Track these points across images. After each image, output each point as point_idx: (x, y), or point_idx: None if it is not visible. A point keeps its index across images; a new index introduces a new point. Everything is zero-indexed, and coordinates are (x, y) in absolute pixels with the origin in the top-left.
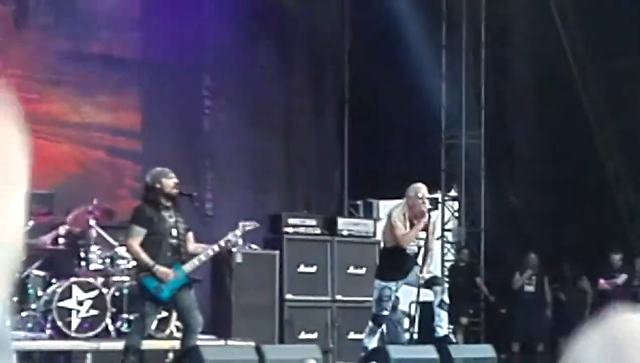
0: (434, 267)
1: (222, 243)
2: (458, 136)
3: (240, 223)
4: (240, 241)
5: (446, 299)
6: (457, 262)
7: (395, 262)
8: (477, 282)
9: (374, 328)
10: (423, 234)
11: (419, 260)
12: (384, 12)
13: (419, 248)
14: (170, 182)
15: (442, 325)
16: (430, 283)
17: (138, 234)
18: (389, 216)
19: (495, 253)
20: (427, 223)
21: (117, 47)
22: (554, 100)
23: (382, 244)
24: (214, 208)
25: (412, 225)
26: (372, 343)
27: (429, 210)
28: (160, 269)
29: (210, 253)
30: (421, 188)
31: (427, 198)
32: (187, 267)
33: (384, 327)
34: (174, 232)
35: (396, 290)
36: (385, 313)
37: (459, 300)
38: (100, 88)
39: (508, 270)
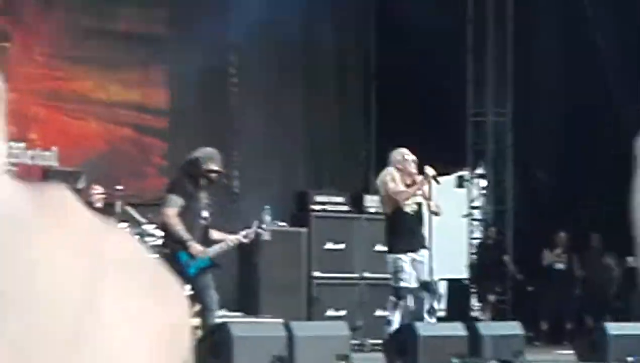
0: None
1: (242, 235)
2: (485, 113)
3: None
4: (266, 210)
5: (436, 306)
6: (484, 239)
7: (399, 227)
8: (504, 259)
9: (395, 302)
10: (418, 197)
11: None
12: None
13: (419, 206)
14: (215, 167)
15: None
16: (423, 287)
17: (175, 205)
18: (381, 182)
19: (522, 231)
20: (421, 184)
21: (144, 24)
22: (581, 76)
23: (384, 211)
24: (241, 185)
25: (407, 186)
26: (395, 317)
27: (417, 171)
28: (195, 245)
29: (231, 244)
30: (406, 151)
31: (413, 159)
32: (212, 250)
33: (410, 302)
34: (205, 214)
35: (412, 261)
36: (405, 284)
37: (486, 278)
38: (127, 65)
39: (536, 248)
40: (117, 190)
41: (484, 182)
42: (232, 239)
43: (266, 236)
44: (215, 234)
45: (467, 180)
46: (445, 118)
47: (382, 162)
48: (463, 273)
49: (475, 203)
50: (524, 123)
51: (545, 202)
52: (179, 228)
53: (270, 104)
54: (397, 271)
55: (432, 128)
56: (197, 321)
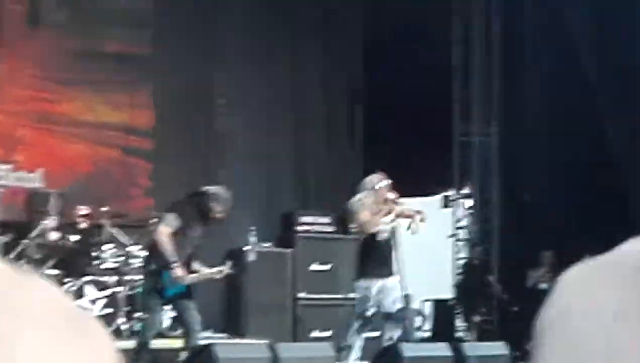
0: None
1: (216, 271)
2: (471, 133)
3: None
4: (252, 231)
5: (399, 332)
6: (470, 259)
7: (370, 252)
8: (489, 280)
9: (359, 328)
10: (390, 224)
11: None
12: (399, 10)
13: (393, 232)
14: (219, 209)
15: None
16: (387, 317)
17: (172, 224)
18: (351, 209)
19: (508, 251)
20: (387, 211)
21: (129, 45)
22: (568, 95)
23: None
24: None
25: (380, 211)
26: (356, 342)
27: (392, 200)
28: (178, 269)
29: (202, 277)
30: (378, 177)
31: (387, 184)
32: (189, 279)
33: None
34: (195, 244)
35: (380, 289)
36: (369, 313)
37: (471, 298)
38: (114, 87)
39: (521, 268)
40: (103, 211)
41: (469, 202)
42: (206, 273)
43: (252, 256)
44: (194, 265)
45: (453, 200)
46: (431, 138)
47: None
48: (448, 294)
49: (461, 224)
50: (510, 143)
51: (531, 222)
52: (169, 248)
53: (256, 125)
54: (365, 297)
55: (418, 148)
56: (180, 343)
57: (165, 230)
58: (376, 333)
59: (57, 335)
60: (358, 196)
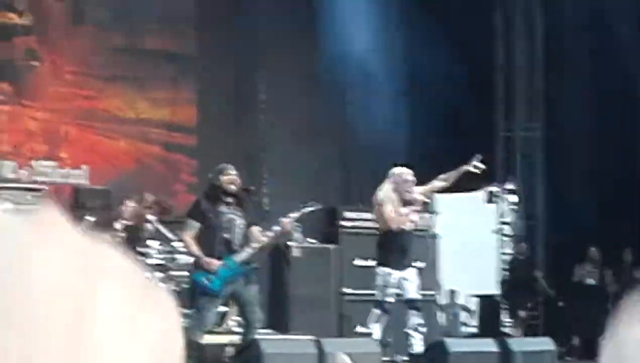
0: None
1: (275, 228)
2: (515, 128)
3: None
4: (296, 226)
5: (421, 321)
6: (515, 255)
7: (391, 243)
8: (535, 275)
9: (378, 314)
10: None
11: None
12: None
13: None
14: (227, 178)
15: (416, 345)
16: (408, 305)
17: (192, 228)
18: (376, 202)
19: (553, 246)
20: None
21: (172, 42)
22: (612, 91)
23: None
24: (270, 202)
25: (404, 205)
26: (376, 329)
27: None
28: (205, 259)
29: (263, 240)
30: (404, 171)
31: (412, 180)
32: (238, 256)
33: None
34: (230, 227)
35: (400, 279)
36: (390, 299)
37: (517, 293)
38: (156, 83)
39: (567, 264)
40: (147, 208)
41: (514, 197)
42: (257, 241)
43: (296, 252)
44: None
45: (497, 196)
46: (475, 133)
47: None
48: (494, 289)
49: (506, 219)
50: (553, 138)
51: (576, 217)
52: (193, 248)
53: (299, 121)
54: (385, 285)
55: (461, 143)
56: (229, 338)
57: (186, 236)
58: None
59: (131, 296)
60: (384, 189)
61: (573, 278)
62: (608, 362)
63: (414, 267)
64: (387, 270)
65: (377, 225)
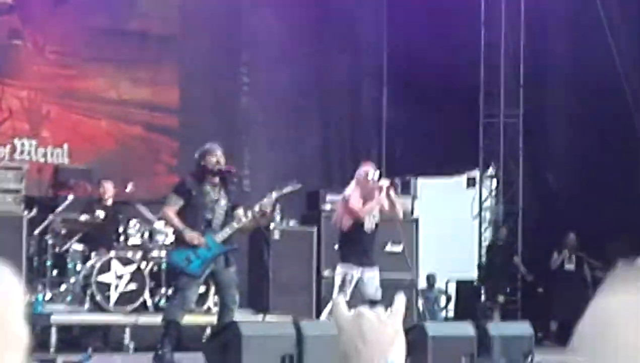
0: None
1: (255, 208)
2: (496, 115)
3: (276, 187)
4: (276, 206)
5: None
6: (494, 240)
7: (354, 242)
8: (514, 260)
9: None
10: (376, 217)
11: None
12: None
13: (377, 226)
14: (212, 159)
15: None
16: (369, 305)
17: (174, 203)
18: (342, 198)
19: (533, 232)
20: (381, 200)
21: (155, 23)
22: (593, 78)
23: (339, 228)
24: (252, 184)
25: (364, 204)
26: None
27: (380, 187)
28: (188, 232)
29: (244, 220)
30: (369, 169)
31: (377, 178)
32: (219, 236)
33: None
34: (213, 207)
35: (360, 278)
36: (346, 298)
37: (496, 278)
38: (139, 64)
39: (546, 249)
40: (127, 188)
41: (494, 183)
42: (237, 220)
43: (276, 235)
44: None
45: (478, 181)
46: (457, 119)
47: (393, 163)
48: (473, 274)
49: (486, 204)
50: (535, 124)
51: (556, 203)
52: (175, 221)
53: (281, 103)
54: (343, 283)
55: (443, 129)
56: (208, 319)
57: (168, 209)
58: None
59: None
60: (350, 188)
61: (551, 263)
62: (590, 324)
63: (375, 266)
64: (346, 269)
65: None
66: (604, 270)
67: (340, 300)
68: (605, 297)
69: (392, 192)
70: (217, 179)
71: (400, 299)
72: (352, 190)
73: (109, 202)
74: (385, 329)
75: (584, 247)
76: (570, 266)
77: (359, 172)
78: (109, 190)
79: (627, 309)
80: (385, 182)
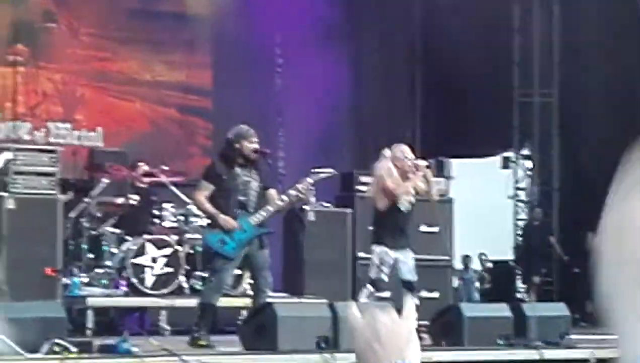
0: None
1: (291, 192)
2: (531, 94)
3: (312, 172)
4: (311, 190)
5: (416, 300)
6: (530, 221)
7: (389, 223)
8: (550, 241)
9: (372, 292)
10: (412, 197)
11: None
12: None
13: (412, 206)
14: (250, 146)
15: None
16: (404, 285)
17: (205, 189)
18: (378, 176)
19: (568, 212)
20: (416, 179)
21: (189, 5)
22: (629, 57)
23: (374, 207)
24: (286, 166)
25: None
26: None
27: (417, 166)
28: (222, 217)
29: (279, 203)
30: (406, 149)
31: (412, 157)
32: (254, 219)
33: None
34: (245, 190)
35: (396, 260)
36: (385, 278)
37: (532, 259)
38: (172, 46)
39: (582, 230)
40: (163, 170)
41: (529, 163)
42: (273, 204)
43: (311, 216)
44: (270, 203)
45: (513, 161)
46: (491, 99)
47: (427, 144)
48: (509, 255)
49: (521, 185)
50: (570, 104)
51: (590, 184)
52: (207, 206)
53: (315, 85)
54: (381, 263)
55: (477, 109)
56: (243, 301)
57: (198, 195)
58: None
59: None
60: (383, 164)
61: (587, 244)
62: (608, 232)
63: (410, 248)
64: (384, 249)
65: (374, 204)
66: None
67: (351, 304)
68: (625, 198)
69: (428, 172)
70: (247, 161)
71: (409, 302)
72: (387, 170)
73: (144, 185)
74: (400, 330)
75: None
76: None
77: (395, 151)
78: (143, 171)
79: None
80: (422, 162)
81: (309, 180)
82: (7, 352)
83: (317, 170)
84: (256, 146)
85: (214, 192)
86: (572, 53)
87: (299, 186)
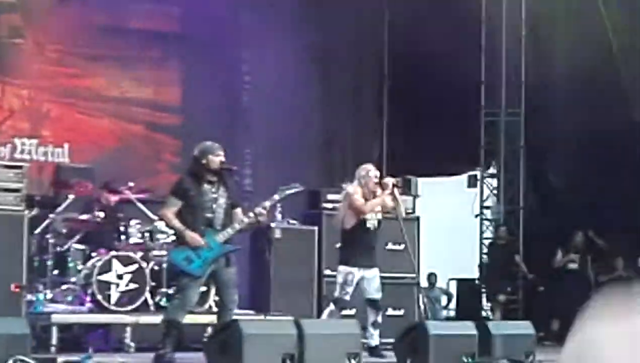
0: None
1: (257, 210)
2: (498, 113)
3: (279, 189)
4: (278, 208)
5: (379, 320)
6: (495, 239)
7: (357, 241)
8: (515, 259)
9: (334, 311)
10: (379, 214)
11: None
12: None
13: (379, 222)
14: (216, 159)
15: (374, 339)
16: (368, 304)
17: (173, 205)
18: (345, 195)
19: (533, 231)
20: (384, 198)
21: (158, 22)
22: (595, 77)
23: (341, 227)
24: (253, 183)
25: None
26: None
27: (384, 184)
28: (189, 234)
29: (245, 220)
30: (371, 167)
31: (377, 176)
32: (220, 236)
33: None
34: (212, 206)
35: (361, 278)
36: (348, 298)
37: (497, 277)
38: (141, 63)
39: (546, 248)
40: (129, 187)
41: (495, 182)
42: (238, 221)
43: (277, 234)
44: (236, 221)
45: (479, 180)
46: (458, 117)
47: (394, 162)
48: (474, 273)
49: (487, 203)
50: (536, 123)
51: (557, 202)
52: (174, 222)
53: (283, 103)
54: (345, 283)
55: (444, 128)
56: (209, 318)
57: (166, 211)
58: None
59: None
60: (350, 185)
61: (554, 263)
62: (569, 356)
63: (376, 266)
64: (348, 269)
65: (341, 224)
66: (607, 274)
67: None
68: (592, 325)
69: (396, 190)
70: (215, 177)
71: None
72: (354, 188)
73: (110, 203)
74: None
75: (585, 247)
76: (574, 265)
77: (360, 170)
78: (110, 199)
79: (616, 342)
80: (389, 180)
81: (275, 197)
82: None
83: (284, 186)
84: (222, 158)
85: (181, 208)
86: (539, 72)
87: (265, 204)
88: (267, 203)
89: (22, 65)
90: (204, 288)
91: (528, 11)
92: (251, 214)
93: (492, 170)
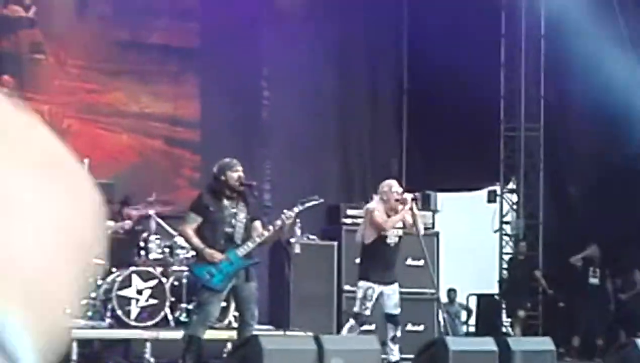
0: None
1: (277, 222)
2: (517, 128)
3: (299, 202)
4: (298, 223)
5: (399, 335)
6: (515, 254)
7: (377, 256)
8: (535, 275)
9: (354, 326)
10: (399, 231)
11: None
12: (443, 2)
13: (399, 239)
14: (234, 175)
15: (394, 355)
16: (387, 319)
17: (193, 221)
18: (366, 211)
19: (554, 246)
20: (404, 214)
21: (176, 37)
22: (615, 90)
23: (361, 242)
24: (272, 198)
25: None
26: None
27: (403, 200)
28: (208, 251)
29: (266, 234)
30: (393, 183)
31: (400, 192)
32: (240, 250)
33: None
34: (232, 221)
35: (381, 293)
36: (368, 313)
37: (517, 293)
38: (160, 78)
39: (568, 264)
40: (149, 202)
41: (515, 197)
42: (258, 234)
43: (297, 249)
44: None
45: (499, 195)
46: (477, 132)
47: (413, 177)
48: (494, 289)
49: (507, 219)
50: (556, 137)
51: (577, 217)
52: (194, 240)
53: (302, 117)
54: (365, 298)
55: (464, 143)
56: (229, 334)
57: (186, 227)
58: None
59: (42, 172)
60: (374, 203)
61: (575, 277)
62: None
63: (396, 281)
64: (368, 284)
65: (361, 239)
66: (628, 291)
67: None
68: None
69: (414, 206)
70: (234, 193)
71: None
72: (376, 204)
73: (130, 220)
74: None
75: (606, 261)
76: (594, 280)
77: (382, 186)
78: (130, 214)
79: None
80: (409, 196)
81: (295, 209)
82: None
83: (303, 199)
84: (240, 174)
85: (200, 224)
86: (558, 86)
87: (284, 217)
88: (287, 216)
89: (43, 81)
90: (224, 304)
91: (547, 26)
92: (271, 227)
93: (511, 185)
